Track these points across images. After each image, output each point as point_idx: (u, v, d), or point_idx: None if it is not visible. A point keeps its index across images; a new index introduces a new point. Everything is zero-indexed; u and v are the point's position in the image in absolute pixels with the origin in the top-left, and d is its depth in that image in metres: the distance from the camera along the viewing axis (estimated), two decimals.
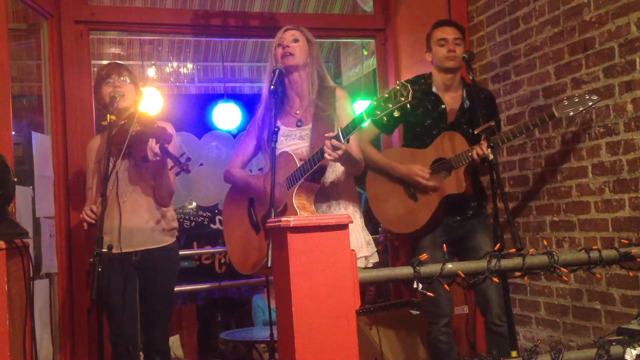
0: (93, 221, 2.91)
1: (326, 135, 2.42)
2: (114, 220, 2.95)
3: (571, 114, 2.83)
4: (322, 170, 2.59)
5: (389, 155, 3.31)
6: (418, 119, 3.19)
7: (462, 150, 2.99)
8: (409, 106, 3.05)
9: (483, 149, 2.86)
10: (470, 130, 3.10)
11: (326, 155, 2.39)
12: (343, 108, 2.75)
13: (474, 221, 3.16)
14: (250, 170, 2.98)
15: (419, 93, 3.12)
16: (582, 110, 2.82)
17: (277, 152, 2.59)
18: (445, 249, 2.09)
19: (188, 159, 2.76)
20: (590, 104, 2.80)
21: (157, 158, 2.81)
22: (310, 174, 2.50)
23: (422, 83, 3.21)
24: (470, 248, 3.13)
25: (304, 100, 2.77)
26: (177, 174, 2.83)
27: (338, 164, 2.70)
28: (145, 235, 3.00)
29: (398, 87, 2.22)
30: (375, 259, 2.77)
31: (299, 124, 2.76)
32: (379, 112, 2.28)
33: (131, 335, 2.96)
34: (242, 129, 6.42)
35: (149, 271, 3.01)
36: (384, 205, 3.29)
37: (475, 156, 2.91)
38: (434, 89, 3.20)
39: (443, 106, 3.16)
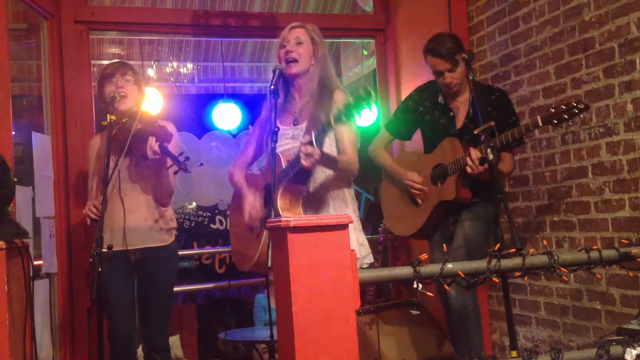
0: (96, 217, 2.94)
1: (301, 140, 2.38)
2: (115, 218, 2.99)
3: (555, 121, 2.64)
4: (307, 172, 2.55)
5: (401, 158, 3.37)
6: (429, 126, 3.22)
7: (459, 156, 2.95)
8: (421, 109, 3.20)
9: (472, 156, 2.83)
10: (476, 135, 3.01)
11: (302, 161, 2.35)
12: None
13: (464, 214, 3.08)
14: (250, 171, 2.98)
15: (426, 102, 3.18)
16: (567, 119, 2.63)
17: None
18: (445, 249, 2.10)
19: (187, 158, 2.78)
20: (577, 112, 2.60)
21: (157, 156, 2.83)
22: (293, 176, 2.47)
23: (431, 91, 3.20)
24: (450, 236, 3.12)
25: (303, 101, 2.75)
26: (175, 172, 2.82)
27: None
28: (144, 234, 3.02)
29: (361, 93, 2.18)
30: (369, 259, 2.75)
31: (295, 122, 2.74)
32: (344, 118, 2.26)
33: (127, 332, 2.98)
34: (242, 129, 6.42)
35: (147, 270, 3.03)
36: (390, 207, 3.39)
37: (468, 163, 2.84)
38: (439, 98, 3.18)
39: (451, 113, 3.15)
